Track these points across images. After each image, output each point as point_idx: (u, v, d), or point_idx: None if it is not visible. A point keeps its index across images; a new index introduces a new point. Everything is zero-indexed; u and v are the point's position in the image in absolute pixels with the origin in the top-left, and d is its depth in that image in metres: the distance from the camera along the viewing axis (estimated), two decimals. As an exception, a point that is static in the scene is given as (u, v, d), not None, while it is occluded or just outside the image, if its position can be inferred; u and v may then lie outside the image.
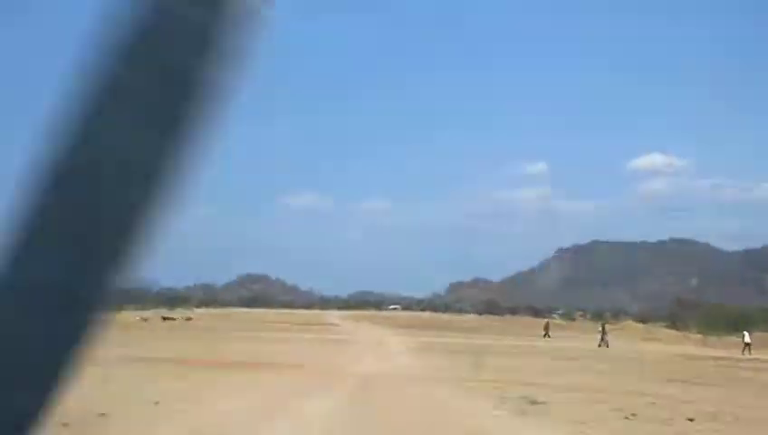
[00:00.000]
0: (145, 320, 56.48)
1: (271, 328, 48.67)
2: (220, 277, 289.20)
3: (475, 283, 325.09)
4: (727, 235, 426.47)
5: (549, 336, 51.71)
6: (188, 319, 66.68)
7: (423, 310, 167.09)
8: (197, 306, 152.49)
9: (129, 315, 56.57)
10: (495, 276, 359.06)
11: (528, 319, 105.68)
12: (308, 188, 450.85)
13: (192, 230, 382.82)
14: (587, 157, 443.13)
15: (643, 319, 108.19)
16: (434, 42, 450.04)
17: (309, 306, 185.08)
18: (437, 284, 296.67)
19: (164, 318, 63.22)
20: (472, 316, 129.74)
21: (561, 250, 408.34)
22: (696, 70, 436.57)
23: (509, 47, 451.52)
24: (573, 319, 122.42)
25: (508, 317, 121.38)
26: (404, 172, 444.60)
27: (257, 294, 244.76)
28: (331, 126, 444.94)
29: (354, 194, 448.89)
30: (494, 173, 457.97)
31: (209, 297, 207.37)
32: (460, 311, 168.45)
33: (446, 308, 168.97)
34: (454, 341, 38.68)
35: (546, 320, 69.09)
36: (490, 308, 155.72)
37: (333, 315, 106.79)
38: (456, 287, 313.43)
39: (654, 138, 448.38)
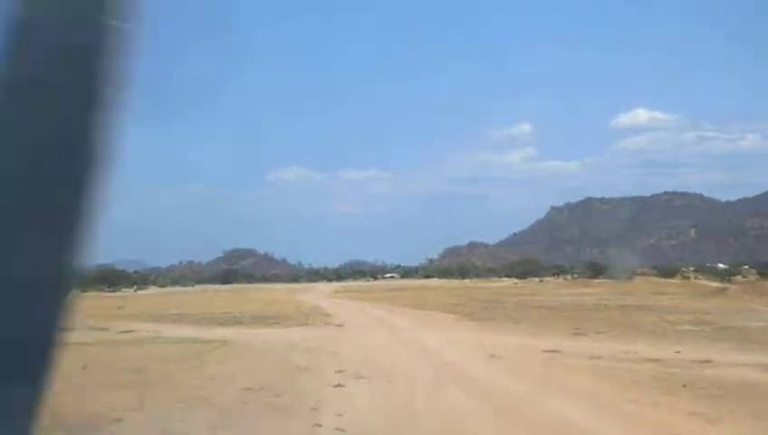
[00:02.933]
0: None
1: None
2: (206, 254, 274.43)
3: (472, 247, 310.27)
4: (719, 185, 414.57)
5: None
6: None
7: (427, 276, 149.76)
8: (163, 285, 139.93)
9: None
10: (491, 240, 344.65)
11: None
12: (293, 162, 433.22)
13: (179, 208, 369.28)
14: (571, 116, 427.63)
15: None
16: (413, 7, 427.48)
17: (296, 279, 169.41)
18: (431, 250, 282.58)
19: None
20: (508, 281, 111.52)
21: (553, 209, 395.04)
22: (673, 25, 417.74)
23: (490, 5, 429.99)
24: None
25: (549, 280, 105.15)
26: (388, 141, 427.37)
27: (244, 269, 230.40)
28: (315, 101, 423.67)
29: (339, 165, 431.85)
30: (478, 137, 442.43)
31: (194, 274, 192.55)
32: (478, 275, 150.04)
33: (462, 273, 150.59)
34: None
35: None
36: (524, 268, 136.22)
37: (319, 290, 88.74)
38: (451, 252, 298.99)
39: (637, 94, 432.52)
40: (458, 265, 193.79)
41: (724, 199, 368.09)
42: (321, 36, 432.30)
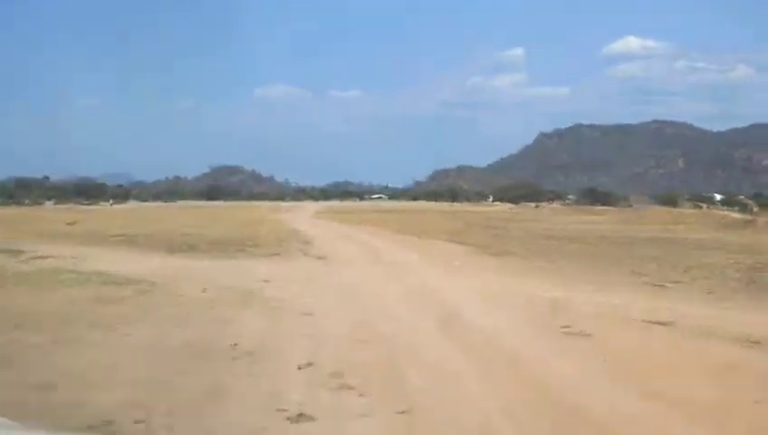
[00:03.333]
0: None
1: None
2: (192, 169, 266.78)
3: (461, 170, 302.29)
4: (708, 116, 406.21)
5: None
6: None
7: (415, 199, 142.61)
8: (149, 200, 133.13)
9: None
10: (479, 163, 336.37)
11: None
12: (283, 80, 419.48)
13: (168, 122, 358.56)
14: (563, 42, 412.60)
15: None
16: None
17: (281, 198, 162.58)
18: (418, 173, 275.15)
19: None
20: (501, 205, 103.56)
21: (542, 135, 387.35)
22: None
23: None
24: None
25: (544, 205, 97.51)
26: (376, 61, 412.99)
27: (231, 186, 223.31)
28: (303, 17, 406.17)
29: (328, 85, 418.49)
30: (469, 60, 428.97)
31: (179, 190, 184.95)
32: (468, 198, 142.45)
33: (452, 196, 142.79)
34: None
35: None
36: (519, 192, 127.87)
37: (305, 210, 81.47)
38: (438, 175, 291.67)
39: (629, 21, 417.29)
40: (447, 187, 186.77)
41: (714, 130, 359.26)
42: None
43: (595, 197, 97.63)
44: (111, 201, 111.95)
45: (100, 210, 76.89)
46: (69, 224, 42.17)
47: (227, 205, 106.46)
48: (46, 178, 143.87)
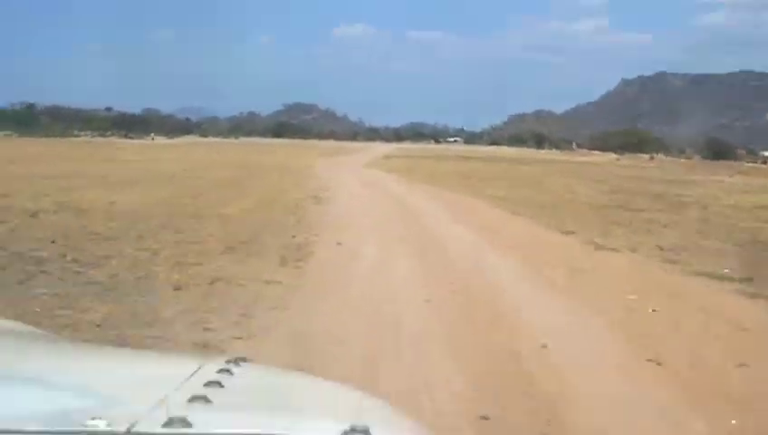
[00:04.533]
0: None
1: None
2: (268, 106, 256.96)
3: (538, 114, 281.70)
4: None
5: None
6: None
7: (494, 143, 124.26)
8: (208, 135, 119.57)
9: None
10: (557, 109, 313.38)
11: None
12: (361, 19, 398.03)
13: (245, 59, 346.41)
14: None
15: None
16: None
17: (353, 137, 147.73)
18: (495, 116, 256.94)
19: None
20: (601, 156, 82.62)
21: (624, 82, 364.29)
22: None
23: None
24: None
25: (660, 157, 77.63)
26: (456, 3, 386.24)
27: (305, 123, 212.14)
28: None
29: (406, 25, 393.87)
30: (551, 4, 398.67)
31: (250, 126, 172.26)
32: (556, 145, 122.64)
33: (538, 142, 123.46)
34: None
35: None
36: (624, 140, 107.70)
37: (370, 153, 64.94)
38: (515, 120, 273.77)
39: None
40: (528, 132, 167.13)
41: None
42: None
43: (717, 150, 77.86)
44: (152, 136, 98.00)
45: (127, 147, 61.58)
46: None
47: (286, 143, 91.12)
48: (109, 109, 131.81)
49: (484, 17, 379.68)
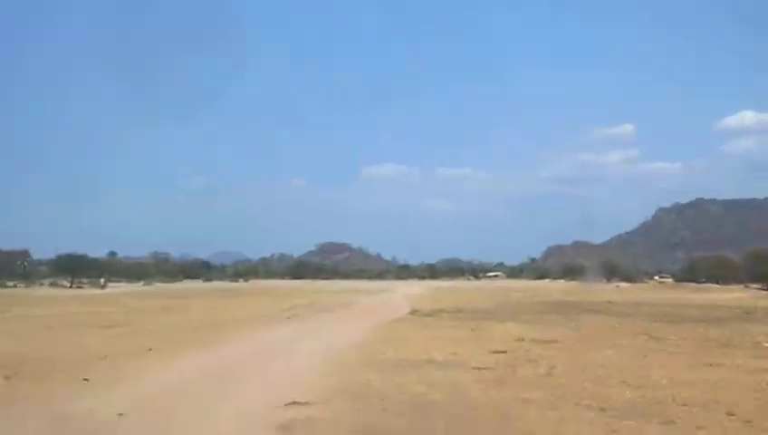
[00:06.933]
0: None
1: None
2: (300, 247, 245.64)
3: (576, 245, 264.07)
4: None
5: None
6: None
7: (541, 277, 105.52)
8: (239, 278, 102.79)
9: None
10: (595, 240, 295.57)
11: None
12: (389, 159, 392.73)
13: (279, 201, 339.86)
14: (674, 117, 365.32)
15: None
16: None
17: (381, 276, 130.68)
18: (531, 249, 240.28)
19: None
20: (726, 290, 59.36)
21: (661, 210, 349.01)
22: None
23: (585, 4, 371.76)
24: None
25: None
26: (484, 139, 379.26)
27: (337, 263, 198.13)
28: (409, 97, 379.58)
29: (435, 163, 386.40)
30: (579, 137, 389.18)
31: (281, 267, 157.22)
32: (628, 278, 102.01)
33: (610, 272, 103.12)
34: None
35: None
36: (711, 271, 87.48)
37: (392, 296, 47.06)
38: (554, 251, 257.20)
39: (744, 95, 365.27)
40: (564, 265, 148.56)
41: None
42: (405, 31, 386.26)
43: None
44: (103, 280, 75.36)
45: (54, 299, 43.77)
46: None
47: (294, 287, 73.77)
48: (113, 253, 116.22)
49: (512, 153, 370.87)
